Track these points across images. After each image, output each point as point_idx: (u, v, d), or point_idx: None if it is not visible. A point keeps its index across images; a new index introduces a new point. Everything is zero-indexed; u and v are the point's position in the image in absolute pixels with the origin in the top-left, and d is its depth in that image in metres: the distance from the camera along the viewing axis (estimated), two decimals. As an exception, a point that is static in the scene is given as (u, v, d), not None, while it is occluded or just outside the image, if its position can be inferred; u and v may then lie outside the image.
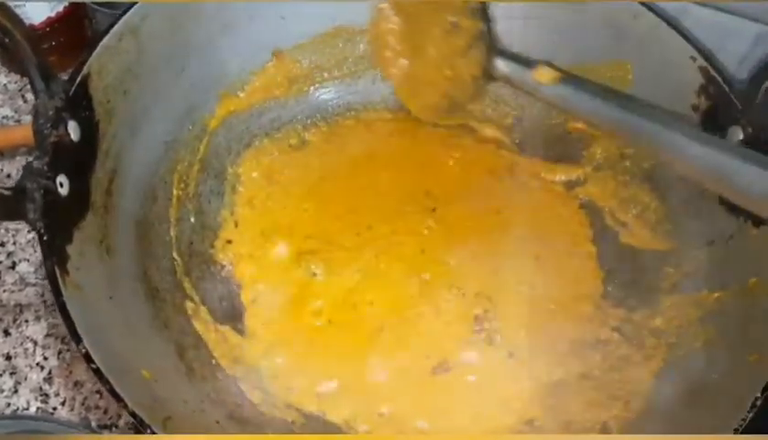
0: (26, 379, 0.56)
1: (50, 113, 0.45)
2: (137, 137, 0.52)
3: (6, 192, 0.42)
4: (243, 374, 0.51)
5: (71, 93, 0.46)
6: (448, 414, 0.52)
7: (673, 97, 0.54)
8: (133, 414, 0.40)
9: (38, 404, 0.55)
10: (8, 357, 0.57)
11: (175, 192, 0.56)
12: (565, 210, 0.60)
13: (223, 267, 0.56)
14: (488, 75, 0.55)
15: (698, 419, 0.45)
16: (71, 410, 0.55)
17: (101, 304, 0.45)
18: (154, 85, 0.53)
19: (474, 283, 0.56)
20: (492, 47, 0.55)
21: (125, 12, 0.51)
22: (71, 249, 0.44)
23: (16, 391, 0.55)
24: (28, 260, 0.61)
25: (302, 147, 0.62)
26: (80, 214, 0.46)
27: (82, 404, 0.55)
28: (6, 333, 0.58)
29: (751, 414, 0.41)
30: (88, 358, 0.40)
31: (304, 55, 0.62)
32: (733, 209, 0.49)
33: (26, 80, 0.69)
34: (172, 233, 0.55)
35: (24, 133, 0.63)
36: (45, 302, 0.59)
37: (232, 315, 0.54)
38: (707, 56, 0.52)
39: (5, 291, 0.59)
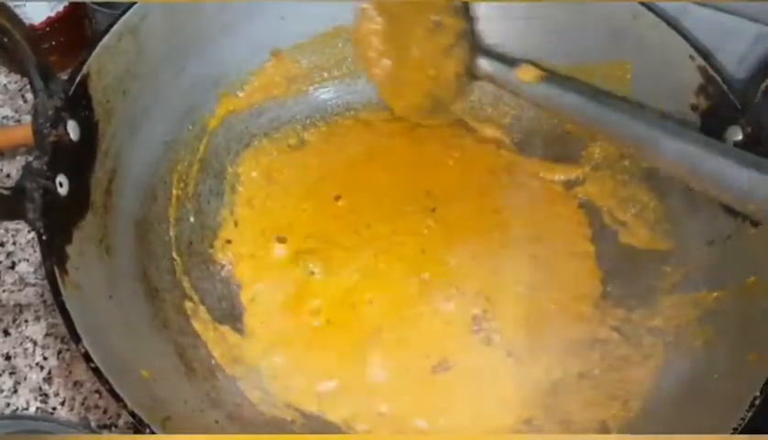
0: (25, 378, 0.56)
1: (50, 112, 0.45)
2: (137, 136, 0.52)
3: (6, 192, 0.42)
4: (242, 374, 0.51)
5: (70, 93, 0.46)
6: (447, 414, 0.52)
7: (672, 97, 0.54)
8: (132, 414, 0.40)
9: (38, 404, 0.55)
10: (8, 357, 0.57)
11: (174, 191, 0.56)
12: (565, 209, 0.60)
13: (222, 266, 0.56)
14: (472, 74, 0.55)
15: (697, 418, 0.45)
16: (71, 410, 0.55)
17: (100, 304, 0.45)
18: (153, 85, 0.53)
19: (473, 283, 0.56)
20: (475, 46, 0.55)
21: (124, 12, 0.51)
22: (70, 249, 0.44)
23: (15, 391, 0.56)
24: (28, 260, 0.61)
25: (302, 146, 0.62)
26: (79, 214, 0.46)
27: (82, 404, 0.55)
28: (6, 333, 0.58)
29: (749, 414, 0.42)
30: (87, 358, 0.40)
31: (303, 55, 0.62)
32: (732, 209, 0.49)
33: (26, 80, 0.69)
34: (172, 233, 0.55)
35: (24, 133, 0.63)
36: (44, 302, 0.59)
37: (231, 315, 0.54)
38: (706, 56, 0.52)
39: (4, 291, 0.59)
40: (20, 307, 0.59)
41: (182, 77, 0.56)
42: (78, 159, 0.47)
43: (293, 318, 0.54)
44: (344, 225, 0.58)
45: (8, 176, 0.65)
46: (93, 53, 0.48)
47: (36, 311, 0.59)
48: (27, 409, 0.55)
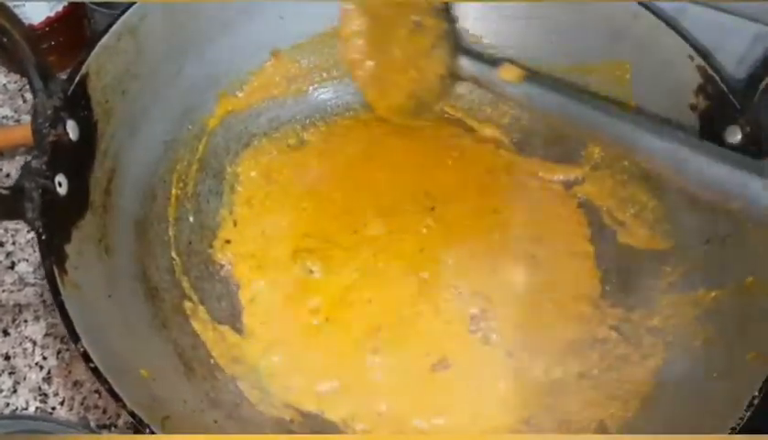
0: (25, 378, 0.56)
1: (49, 112, 0.45)
2: (136, 136, 0.52)
3: (5, 192, 0.43)
4: (241, 373, 0.51)
5: (69, 93, 0.46)
6: (446, 413, 0.52)
7: (671, 97, 0.54)
8: (131, 414, 0.40)
9: (37, 404, 0.55)
10: (7, 357, 0.57)
11: (174, 191, 0.56)
12: (564, 209, 0.60)
13: (221, 266, 0.56)
14: (454, 75, 0.55)
15: (696, 418, 0.45)
16: (70, 409, 0.55)
17: (99, 304, 0.45)
18: (153, 85, 0.53)
19: (472, 282, 0.56)
20: (457, 46, 0.55)
21: (123, 12, 0.51)
22: (69, 249, 0.44)
23: (15, 391, 0.56)
24: (27, 260, 0.61)
25: (301, 146, 0.62)
26: (78, 214, 0.46)
27: (81, 404, 0.55)
28: (5, 333, 0.58)
29: (748, 413, 0.42)
30: (86, 358, 0.40)
31: (303, 55, 0.62)
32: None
33: (25, 80, 0.69)
34: (171, 232, 0.55)
35: (23, 133, 0.63)
36: (44, 301, 0.59)
37: (230, 315, 0.54)
38: (705, 55, 0.52)
39: (4, 291, 0.59)
40: (20, 307, 0.59)
41: (182, 77, 0.56)
42: (77, 158, 0.47)
43: (292, 317, 0.54)
44: (343, 224, 0.58)
45: (8, 176, 0.65)
46: (92, 53, 0.48)
47: (35, 311, 0.59)
48: (26, 409, 0.55)
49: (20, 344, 0.57)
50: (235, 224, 0.58)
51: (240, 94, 0.60)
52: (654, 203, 0.56)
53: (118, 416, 0.55)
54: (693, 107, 0.53)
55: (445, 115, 0.63)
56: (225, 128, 0.59)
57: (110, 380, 0.40)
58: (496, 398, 0.52)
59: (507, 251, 0.58)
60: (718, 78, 0.51)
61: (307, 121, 0.63)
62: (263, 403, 0.51)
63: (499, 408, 0.52)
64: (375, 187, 0.60)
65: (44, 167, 0.44)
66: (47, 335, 0.58)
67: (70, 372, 0.56)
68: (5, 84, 0.70)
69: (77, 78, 0.47)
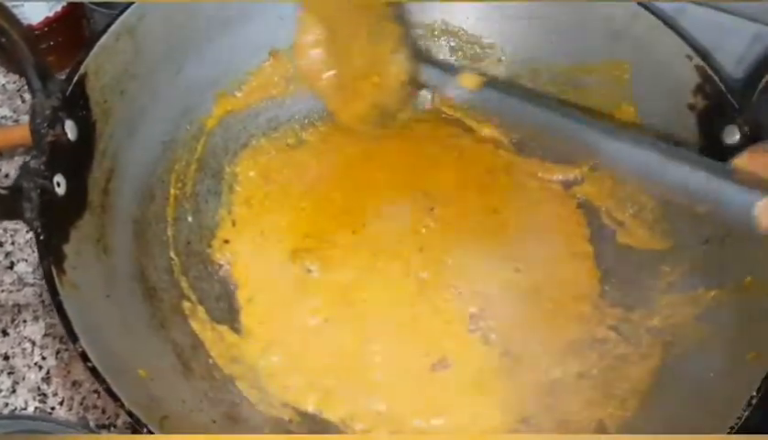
0: (24, 378, 0.56)
1: (47, 112, 0.45)
2: (135, 136, 0.52)
3: (3, 192, 0.43)
4: (240, 373, 0.51)
5: (68, 93, 0.46)
6: (446, 413, 0.52)
7: (670, 96, 0.54)
8: (130, 413, 0.40)
9: (37, 404, 0.55)
10: (6, 357, 0.57)
11: (172, 191, 0.56)
12: (563, 209, 0.60)
13: (220, 266, 0.56)
14: (415, 82, 0.55)
15: (695, 417, 0.45)
16: (70, 409, 0.55)
17: (98, 303, 0.45)
18: (151, 85, 0.53)
19: (471, 282, 0.56)
20: (416, 54, 0.55)
21: (122, 12, 0.51)
22: (67, 248, 0.44)
23: (14, 391, 0.56)
24: (27, 260, 0.61)
25: (300, 146, 0.62)
26: (77, 214, 0.46)
27: (81, 404, 0.55)
28: (5, 333, 0.58)
29: (746, 413, 0.42)
30: (85, 357, 0.40)
31: (302, 55, 0.62)
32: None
33: (24, 80, 0.69)
34: (170, 232, 0.55)
35: (22, 133, 0.63)
36: (43, 302, 0.59)
37: (229, 314, 0.54)
38: (703, 55, 0.52)
39: (3, 291, 0.60)
40: (19, 307, 0.59)
41: (180, 77, 0.56)
42: (75, 158, 0.47)
43: (291, 317, 0.54)
44: (342, 224, 0.58)
45: (7, 176, 0.65)
46: (91, 53, 0.48)
47: (34, 311, 0.59)
48: (25, 409, 0.55)
49: (19, 344, 0.57)
50: (233, 224, 0.58)
51: (239, 94, 0.60)
52: (653, 204, 0.56)
53: (117, 416, 0.55)
54: (691, 107, 0.53)
55: (444, 116, 0.63)
56: (224, 128, 0.59)
57: (108, 380, 0.40)
58: (495, 397, 0.52)
59: (506, 251, 0.57)
60: (716, 78, 0.51)
61: (306, 121, 0.62)
62: (262, 403, 0.51)
63: (498, 408, 0.52)
64: (374, 187, 0.60)
65: (42, 167, 0.44)
66: (46, 335, 0.58)
67: (69, 372, 0.56)
68: (3, 85, 0.70)
69: (75, 78, 0.47)
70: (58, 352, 0.57)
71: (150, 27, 0.52)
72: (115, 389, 0.40)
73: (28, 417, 0.53)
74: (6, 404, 0.55)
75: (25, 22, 0.63)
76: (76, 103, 0.47)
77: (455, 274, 0.56)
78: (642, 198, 0.57)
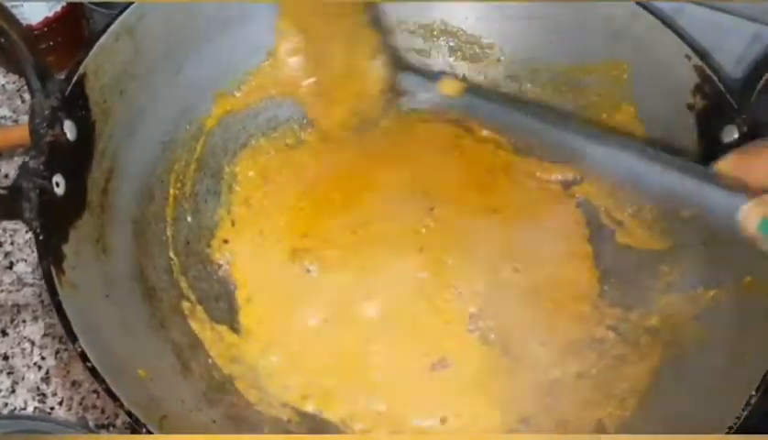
0: (23, 378, 0.56)
1: (46, 112, 0.45)
2: (134, 136, 0.52)
3: (2, 192, 0.43)
4: (239, 373, 0.51)
5: (67, 93, 0.46)
6: (445, 413, 0.52)
7: (669, 96, 0.54)
8: (129, 413, 0.40)
9: (36, 404, 0.55)
10: (6, 357, 0.57)
11: (172, 191, 0.56)
12: (562, 209, 0.60)
13: (219, 266, 0.56)
14: (395, 90, 0.55)
15: (694, 417, 0.45)
16: (69, 409, 0.55)
17: (97, 303, 0.45)
18: (150, 85, 0.53)
19: (471, 282, 0.56)
20: (394, 60, 0.55)
21: (121, 12, 0.51)
22: (66, 248, 0.44)
23: (13, 391, 0.56)
24: (26, 261, 0.61)
25: (299, 146, 0.62)
26: (76, 214, 0.46)
27: (80, 404, 0.55)
28: (4, 333, 0.58)
29: (745, 413, 0.42)
30: (84, 357, 0.40)
31: (301, 55, 0.62)
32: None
33: (24, 80, 0.69)
34: (169, 232, 0.55)
35: (21, 133, 0.63)
36: (42, 302, 0.59)
37: (228, 314, 0.54)
38: (702, 55, 0.52)
39: (2, 291, 0.60)
40: (18, 307, 0.59)
41: (180, 77, 0.56)
42: (75, 158, 0.47)
43: (290, 317, 0.54)
44: (341, 224, 0.58)
45: (6, 176, 0.65)
46: (90, 53, 0.48)
47: (34, 311, 0.59)
48: (24, 409, 0.55)
49: (19, 344, 0.57)
50: (233, 223, 0.58)
51: (238, 94, 0.60)
52: (652, 203, 0.56)
53: (117, 416, 0.55)
54: (690, 107, 0.53)
55: (444, 116, 0.63)
56: (223, 128, 0.59)
57: (107, 380, 0.40)
58: (494, 397, 0.52)
59: (505, 251, 0.57)
60: (715, 78, 0.51)
61: (305, 121, 0.62)
62: (261, 403, 0.51)
63: (497, 407, 0.52)
64: (373, 187, 0.60)
65: (41, 167, 0.44)
66: (45, 335, 0.58)
67: (68, 372, 0.56)
68: (3, 85, 0.70)
69: (75, 78, 0.47)
70: (57, 352, 0.57)
71: (150, 27, 0.52)
72: (114, 389, 0.40)
73: (28, 417, 0.53)
74: (6, 404, 0.55)
75: (24, 22, 0.64)
76: (75, 103, 0.47)
77: (454, 274, 0.56)
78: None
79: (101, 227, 0.48)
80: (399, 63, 0.55)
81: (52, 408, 0.55)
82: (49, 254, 0.42)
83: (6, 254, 0.61)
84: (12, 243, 0.62)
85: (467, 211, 0.59)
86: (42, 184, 0.44)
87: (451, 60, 0.63)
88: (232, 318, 0.54)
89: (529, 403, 0.52)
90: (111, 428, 0.54)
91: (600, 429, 0.49)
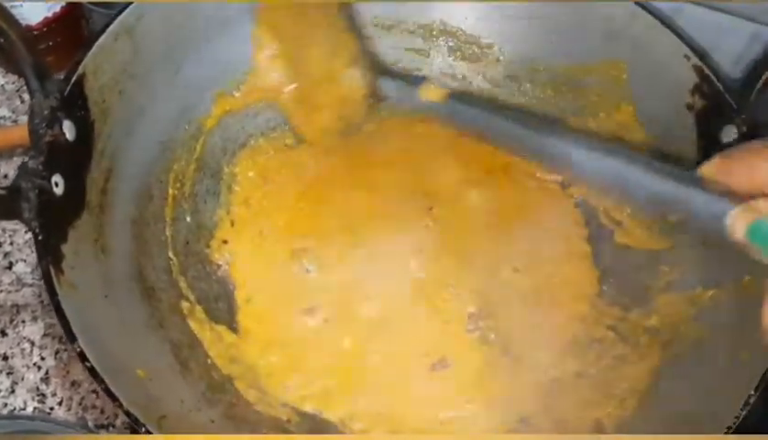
0: (23, 379, 0.56)
1: (45, 112, 0.45)
2: (133, 136, 0.52)
3: (2, 192, 0.43)
4: (238, 373, 0.51)
5: (66, 93, 0.46)
6: (444, 413, 0.52)
7: (668, 96, 0.54)
8: (128, 413, 0.40)
9: (35, 404, 0.55)
10: (5, 358, 0.57)
11: (171, 191, 0.56)
12: (561, 209, 0.59)
13: (219, 266, 0.56)
14: (376, 95, 0.55)
15: (693, 417, 0.45)
16: (68, 410, 0.55)
17: (96, 303, 0.45)
18: (150, 85, 0.53)
19: (470, 282, 0.56)
20: (375, 66, 0.55)
21: (120, 12, 0.51)
22: (66, 248, 0.44)
23: (13, 391, 0.56)
24: (25, 261, 0.61)
25: (298, 146, 0.61)
26: (75, 214, 0.46)
27: (79, 404, 0.55)
28: (4, 333, 0.58)
29: (744, 412, 0.42)
30: (83, 357, 0.40)
31: (300, 55, 0.62)
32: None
33: (23, 80, 0.69)
34: (168, 232, 0.55)
35: (21, 133, 0.63)
36: (42, 302, 0.59)
37: (227, 314, 0.54)
38: (701, 55, 0.52)
39: (1, 291, 0.60)
40: (17, 307, 0.59)
41: (179, 77, 0.56)
42: (74, 158, 0.47)
43: (290, 317, 0.54)
44: (340, 224, 0.58)
45: (5, 176, 0.65)
46: (89, 53, 0.48)
47: (33, 311, 0.59)
48: (24, 409, 0.55)
49: (18, 344, 0.57)
50: (232, 224, 0.58)
51: (237, 94, 0.60)
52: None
53: (116, 416, 0.55)
54: (689, 107, 0.53)
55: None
56: (223, 128, 0.59)
57: (106, 380, 0.40)
58: (494, 397, 0.52)
59: (505, 251, 0.57)
60: (714, 77, 0.51)
61: (303, 122, 0.63)
62: (261, 403, 0.51)
63: (497, 407, 0.52)
64: (373, 187, 0.60)
65: (41, 167, 0.44)
66: (45, 335, 0.58)
67: (68, 372, 0.56)
68: (2, 85, 0.70)
69: (74, 78, 0.47)
70: (57, 352, 0.57)
71: (149, 27, 0.52)
72: (113, 388, 0.40)
73: (27, 417, 0.53)
74: (5, 404, 0.55)
75: (24, 22, 0.63)
76: (74, 103, 0.47)
77: (453, 274, 0.56)
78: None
79: (100, 227, 0.48)
80: (379, 69, 0.55)
81: (52, 408, 0.55)
82: (48, 254, 0.42)
83: (6, 254, 0.61)
84: (11, 243, 0.62)
85: (467, 211, 0.59)
86: (41, 184, 0.44)
87: (450, 59, 0.63)
88: (231, 318, 0.54)
89: (528, 403, 0.52)
90: (110, 428, 0.54)
91: (599, 429, 0.49)
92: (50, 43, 0.67)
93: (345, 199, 0.59)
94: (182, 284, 0.53)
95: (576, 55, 0.59)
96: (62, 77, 0.47)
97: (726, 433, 0.42)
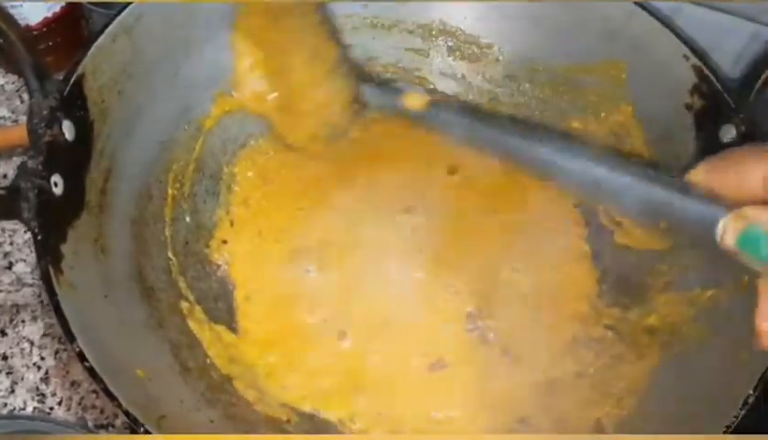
0: (22, 379, 0.56)
1: (45, 112, 0.45)
2: (132, 136, 0.52)
3: (1, 192, 0.43)
4: (238, 373, 0.51)
5: (65, 93, 0.46)
6: (444, 413, 0.52)
7: (667, 96, 0.54)
8: (127, 413, 0.40)
9: (35, 404, 0.55)
10: (5, 358, 0.57)
11: (170, 191, 0.56)
12: (561, 209, 0.60)
13: (218, 266, 0.56)
14: (359, 102, 0.55)
15: (692, 416, 0.45)
16: (68, 410, 0.55)
17: (95, 303, 0.45)
18: (149, 85, 0.53)
19: (469, 282, 0.56)
20: (356, 73, 0.55)
21: (119, 12, 0.51)
22: (65, 248, 0.44)
23: (12, 391, 0.56)
24: (25, 261, 0.61)
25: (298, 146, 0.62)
26: (74, 214, 0.46)
27: (79, 404, 0.55)
28: (3, 333, 0.58)
29: (743, 412, 0.42)
30: (82, 357, 0.40)
31: (300, 55, 0.62)
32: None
33: (23, 80, 0.69)
34: (167, 232, 0.55)
35: (20, 133, 0.63)
36: (41, 302, 0.59)
37: (227, 314, 0.54)
38: (700, 55, 0.52)
39: (1, 291, 0.60)
40: (17, 307, 0.59)
41: (178, 77, 0.55)
42: (73, 158, 0.47)
43: (289, 317, 0.54)
44: (340, 224, 0.58)
45: (5, 176, 0.65)
46: (89, 53, 0.48)
47: (33, 311, 0.59)
48: (24, 409, 0.55)
49: (18, 344, 0.57)
50: (231, 224, 0.58)
51: (237, 94, 0.60)
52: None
53: (116, 416, 0.55)
54: (688, 107, 0.53)
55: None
56: (222, 128, 0.59)
57: (106, 380, 0.40)
58: (493, 397, 0.52)
59: (504, 251, 0.58)
60: (713, 77, 0.51)
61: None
62: (260, 403, 0.51)
63: (496, 407, 0.52)
64: (372, 187, 0.60)
65: (40, 167, 0.44)
66: (44, 335, 0.58)
67: (67, 372, 0.56)
68: (2, 85, 0.70)
69: (73, 78, 0.47)
70: (56, 352, 0.57)
71: (148, 28, 0.52)
72: (112, 388, 0.40)
73: (27, 417, 0.53)
74: (5, 404, 0.55)
75: (23, 22, 0.63)
76: (74, 103, 0.47)
77: (453, 274, 0.56)
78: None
79: (99, 227, 0.48)
80: (360, 76, 0.55)
81: (51, 408, 0.55)
82: (48, 254, 0.42)
83: (6, 254, 0.61)
84: (11, 243, 0.62)
85: (466, 211, 0.59)
86: (41, 184, 0.44)
87: (450, 59, 0.64)
88: (230, 318, 0.54)
89: (527, 403, 0.52)
90: (110, 428, 0.54)
91: (599, 428, 0.49)
92: (50, 43, 0.67)
93: (344, 199, 0.59)
94: (182, 284, 0.53)
95: (575, 55, 0.59)
96: (62, 77, 0.47)
97: (725, 432, 0.42)
